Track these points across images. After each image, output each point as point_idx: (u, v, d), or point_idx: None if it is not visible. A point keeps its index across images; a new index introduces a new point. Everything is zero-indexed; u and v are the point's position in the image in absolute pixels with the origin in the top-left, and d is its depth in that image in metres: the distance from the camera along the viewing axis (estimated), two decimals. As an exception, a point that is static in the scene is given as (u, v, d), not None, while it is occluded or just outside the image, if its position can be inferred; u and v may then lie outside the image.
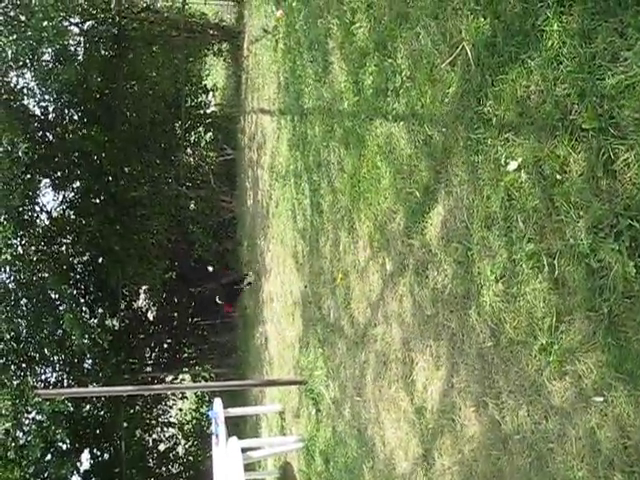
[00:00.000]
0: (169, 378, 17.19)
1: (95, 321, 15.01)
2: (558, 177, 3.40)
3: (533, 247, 3.59)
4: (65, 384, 14.78)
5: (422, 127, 4.79)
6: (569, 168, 3.34)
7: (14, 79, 13.57)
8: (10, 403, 12.87)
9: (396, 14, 5.20)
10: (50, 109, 14.52)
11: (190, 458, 17.86)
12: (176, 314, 17.65)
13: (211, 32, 15.15)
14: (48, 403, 12.75)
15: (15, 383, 13.27)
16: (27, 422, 13.54)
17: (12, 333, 13.83)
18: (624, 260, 3.04)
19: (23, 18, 12.34)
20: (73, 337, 13.34)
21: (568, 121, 3.33)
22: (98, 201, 15.06)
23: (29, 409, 13.30)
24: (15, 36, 12.02)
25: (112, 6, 14.26)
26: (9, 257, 13.37)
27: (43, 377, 14.80)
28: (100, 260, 15.41)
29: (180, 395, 18.15)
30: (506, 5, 3.81)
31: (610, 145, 3.09)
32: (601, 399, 3.20)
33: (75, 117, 14.92)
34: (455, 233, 4.39)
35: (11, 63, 12.97)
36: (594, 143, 3.18)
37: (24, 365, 14.20)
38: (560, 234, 3.42)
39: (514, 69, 3.71)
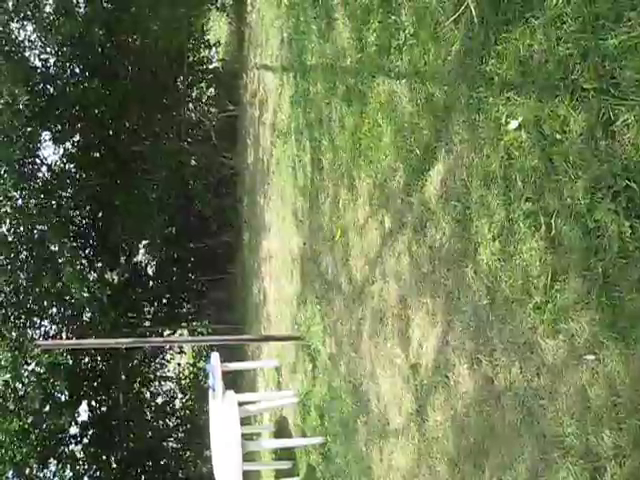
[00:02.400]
0: (167, 333, 17.29)
1: (94, 275, 15.03)
2: (558, 137, 3.42)
3: (531, 206, 3.62)
4: (64, 337, 14.88)
5: (424, 85, 4.79)
6: (569, 128, 3.35)
7: (15, 31, 13.45)
8: (9, 355, 12.97)
9: (401, -30, 5.16)
10: (51, 62, 14.40)
11: (187, 412, 18.01)
12: (175, 269, 17.70)
13: (214, -14, 15.01)
14: (47, 355, 12.85)
15: (14, 335, 13.36)
16: (26, 374, 13.64)
17: (11, 286, 13.88)
18: (620, 220, 3.06)
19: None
20: (72, 291, 13.38)
21: (569, 81, 3.34)
22: (99, 155, 15.01)
23: (28, 361, 13.40)
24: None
25: (115, -42, 14.10)
26: (9, 210, 13.39)
27: (42, 330, 14.87)
28: (100, 214, 15.41)
29: (178, 350, 18.28)
30: (512, -38, 3.79)
31: (610, 106, 3.10)
32: (593, 357, 3.25)
33: (76, 70, 14.80)
34: (454, 191, 4.41)
35: (12, 14, 12.86)
36: (594, 103, 3.18)
37: (23, 317, 14.28)
38: (558, 194, 3.44)
39: (518, 28, 3.71)
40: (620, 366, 3.08)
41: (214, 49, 16.47)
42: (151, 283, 17.55)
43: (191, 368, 18.45)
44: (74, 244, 14.93)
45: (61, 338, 14.78)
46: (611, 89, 3.10)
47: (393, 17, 5.26)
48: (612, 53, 3.09)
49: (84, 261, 15.36)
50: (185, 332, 18.05)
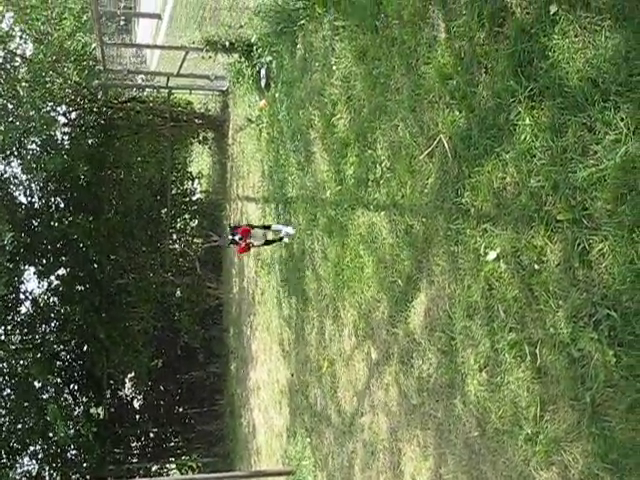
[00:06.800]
0: (155, 468, 16.83)
1: (79, 410, 14.78)
2: (536, 267, 3.46)
3: (515, 336, 3.63)
4: (47, 477, 14.48)
5: (403, 217, 4.87)
6: (546, 258, 3.40)
7: (1, 167, 13.71)
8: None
9: (375, 106, 5.33)
10: (36, 197, 14.59)
11: None
12: (162, 402, 17.42)
13: (196, 121, 15.36)
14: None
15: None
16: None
17: (-6, 424, 13.59)
18: (604, 349, 3.07)
19: (11, 107, 12.52)
20: (57, 427, 13.10)
21: (543, 212, 3.41)
22: (83, 289, 15.01)
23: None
24: (2, 126, 12.18)
25: (99, 96, 14.49)
26: (-8, 348, 13.26)
27: (25, 469, 14.48)
28: (85, 348, 15.27)
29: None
30: (480, 100, 3.93)
31: (585, 236, 3.15)
32: (588, 489, 3.18)
33: (61, 205, 14.99)
34: (438, 322, 4.42)
35: (-2, 153, 13.12)
36: (569, 234, 3.24)
37: (5, 458, 13.90)
38: (541, 323, 3.45)
39: (489, 161, 3.81)
40: (617, 498, 3.02)
41: (197, 181, 16.78)
42: (137, 417, 17.22)
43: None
44: (58, 379, 14.76)
45: (43, 478, 14.37)
46: (584, 220, 3.17)
47: (369, 151, 5.40)
48: (582, 185, 3.17)
49: (69, 396, 15.14)
50: (173, 466, 17.56)
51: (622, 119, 2.95)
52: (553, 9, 3.33)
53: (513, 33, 3.62)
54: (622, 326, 2.99)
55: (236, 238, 7.52)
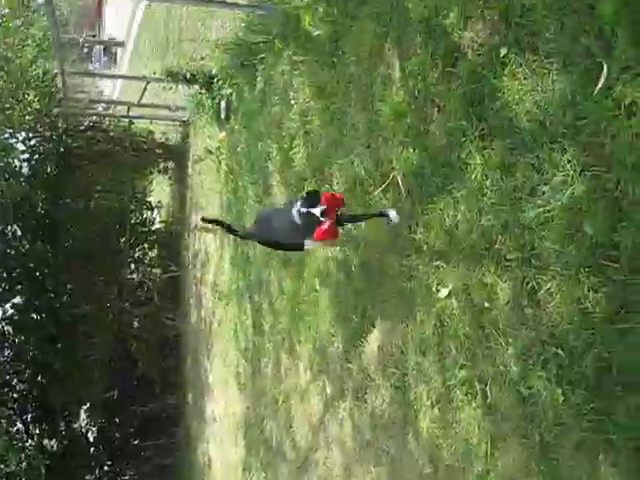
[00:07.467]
0: (109, 502, 16.52)
1: (32, 442, 14.45)
2: (486, 305, 3.50)
3: (465, 373, 3.65)
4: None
5: (357, 252, 4.89)
6: (496, 296, 3.43)
7: (-43, 196, 13.49)
8: None
9: (331, 142, 5.38)
10: (-8, 226, 14.39)
11: None
12: (117, 435, 17.11)
13: (157, 150, 15.30)
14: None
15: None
16: None
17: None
18: (552, 387, 3.10)
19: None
20: (7, 461, 12.82)
21: (494, 251, 3.45)
22: (39, 318, 14.77)
23: None
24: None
25: (59, 124, 14.39)
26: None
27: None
28: (39, 378, 14.99)
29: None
30: (433, 138, 3.99)
31: (533, 275, 3.20)
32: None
33: (18, 233, 14.78)
34: (391, 358, 4.43)
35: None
36: (518, 273, 3.29)
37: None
38: (491, 361, 3.48)
39: (442, 199, 3.86)
40: (566, 537, 3.03)
41: (156, 210, 16.68)
42: (92, 450, 16.89)
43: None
44: (10, 411, 14.43)
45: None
46: (532, 259, 3.22)
47: (326, 185, 5.43)
48: (530, 225, 3.22)
49: (21, 427, 14.80)
50: (128, 500, 17.25)
51: (569, 161, 3.01)
52: (503, 51, 3.40)
53: (465, 73, 3.69)
54: (569, 365, 3.02)
55: (316, 212, 4.20)
